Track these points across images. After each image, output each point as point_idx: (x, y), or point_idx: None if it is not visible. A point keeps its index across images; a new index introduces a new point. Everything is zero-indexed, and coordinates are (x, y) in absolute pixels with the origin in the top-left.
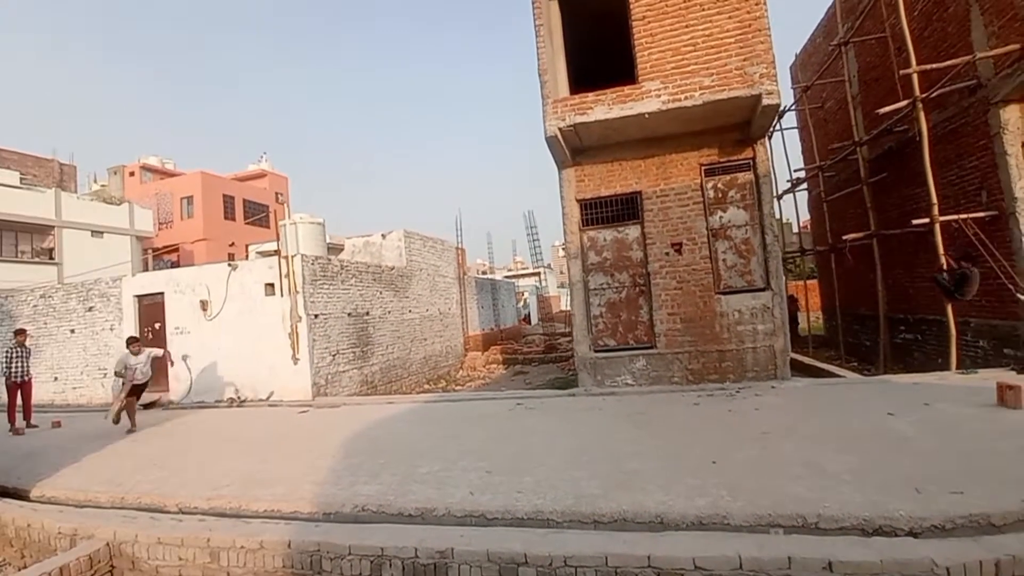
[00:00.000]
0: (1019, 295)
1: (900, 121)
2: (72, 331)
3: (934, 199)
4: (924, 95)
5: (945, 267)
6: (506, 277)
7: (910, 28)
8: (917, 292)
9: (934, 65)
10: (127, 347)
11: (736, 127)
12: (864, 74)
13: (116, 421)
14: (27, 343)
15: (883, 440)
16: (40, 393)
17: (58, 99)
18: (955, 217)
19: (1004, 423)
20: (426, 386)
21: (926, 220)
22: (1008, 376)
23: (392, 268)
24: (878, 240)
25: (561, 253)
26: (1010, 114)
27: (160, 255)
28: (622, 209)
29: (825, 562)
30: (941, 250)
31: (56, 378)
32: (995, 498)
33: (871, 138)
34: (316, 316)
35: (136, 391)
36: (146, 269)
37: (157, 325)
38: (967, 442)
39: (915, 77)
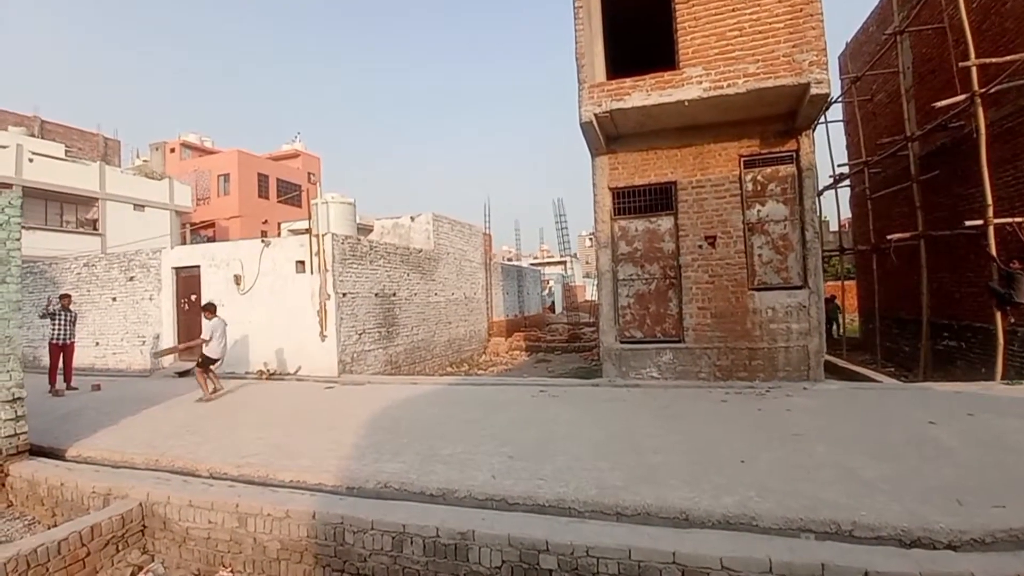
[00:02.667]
0: None
1: (955, 117)
2: (114, 299)
3: (989, 200)
4: (983, 90)
5: (1000, 272)
6: (532, 264)
7: (968, 20)
8: (963, 297)
9: (994, 59)
10: (203, 314)
11: (779, 117)
12: (919, 66)
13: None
14: (71, 308)
15: (922, 449)
16: (81, 357)
17: (104, 73)
18: (1010, 220)
19: None
20: (449, 369)
21: (979, 222)
22: None
23: (420, 251)
24: (925, 241)
25: (588, 243)
26: None
27: (197, 230)
28: (655, 199)
29: (862, 572)
30: (995, 254)
31: (97, 343)
32: None
33: (924, 133)
34: (344, 295)
35: (208, 363)
36: (184, 243)
37: (193, 297)
38: (1011, 454)
39: (974, 71)
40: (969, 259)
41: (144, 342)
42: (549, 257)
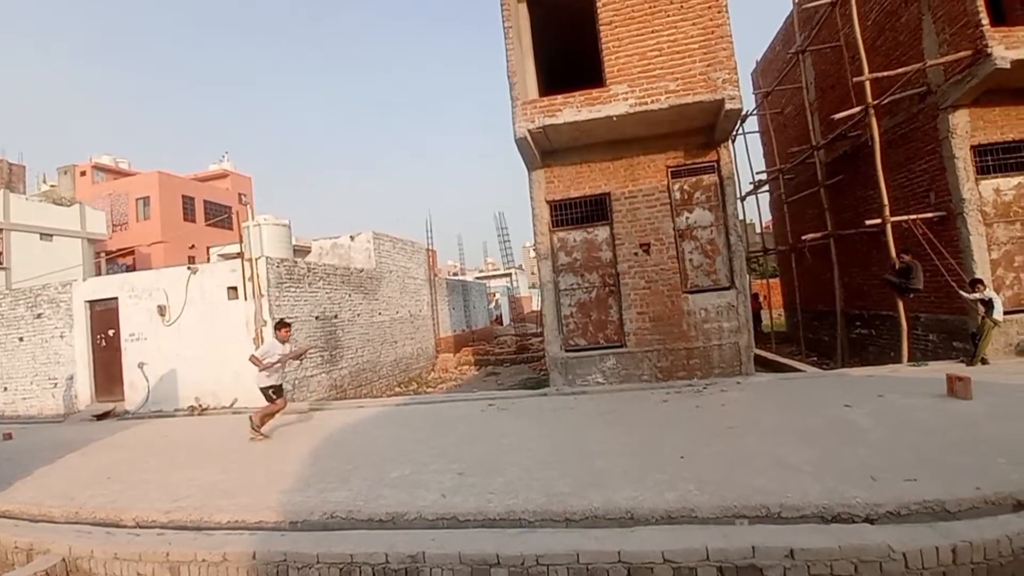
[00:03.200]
0: (962, 292)
1: (854, 126)
2: (20, 339)
3: (885, 201)
4: (876, 101)
5: (896, 266)
6: (477, 278)
7: (863, 37)
8: (871, 289)
9: (886, 73)
10: (275, 332)
11: (701, 131)
12: (820, 81)
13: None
14: None
15: (840, 431)
16: None
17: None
18: (905, 218)
19: (954, 413)
20: (397, 389)
21: (878, 221)
22: (957, 368)
23: (361, 270)
24: (835, 240)
25: (532, 254)
26: (959, 119)
27: (114, 258)
28: (591, 210)
29: (787, 550)
30: (893, 249)
31: (5, 388)
32: (948, 486)
33: (827, 142)
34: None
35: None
36: (99, 273)
37: (111, 332)
38: (919, 432)
39: (868, 84)
40: (872, 254)
41: (56, 384)
42: (494, 270)
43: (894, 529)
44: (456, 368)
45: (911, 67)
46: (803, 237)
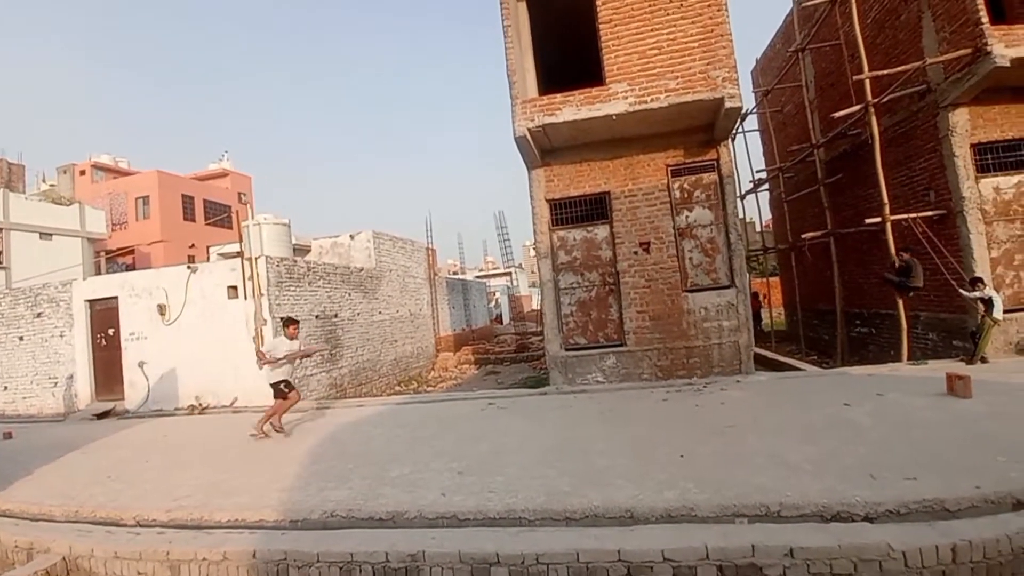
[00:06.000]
0: (962, 290)
1: (854, 125)
2: (20, 338)
3: (885, 199)
4: (876, 100)
5: (896, 264)
6: (477, 277)
7: (863, 35)
8: (871, 288)
9: (886, 71)
10: (284, 329)
11: (701, 129)
12: (820, 79)
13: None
14: None
15: (840, 430)
16: None
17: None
18: (905, 216)
19: (954, 412)
20: (397, 388)
21: (878, 219)
22: (956, 367)
23: (361, 269)
24: (834, 238)
25: (532, 253)
26: (958, 117)
27: (114, 258)
28: (591, 209)
29: (787, 548)
30: (892, 248)
31: (5, 387)
32: (948, 484)
33: (827, 141)
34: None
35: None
36: (98, 272)
37: (111, 331)
38: (919, 430)
39: (867, 83)
40: (873, 253)
41: (56, 384)
42: (494, 269)
43: (894, 528)
44: (456, 367)
45: (911, 65)
46: (803, 235)
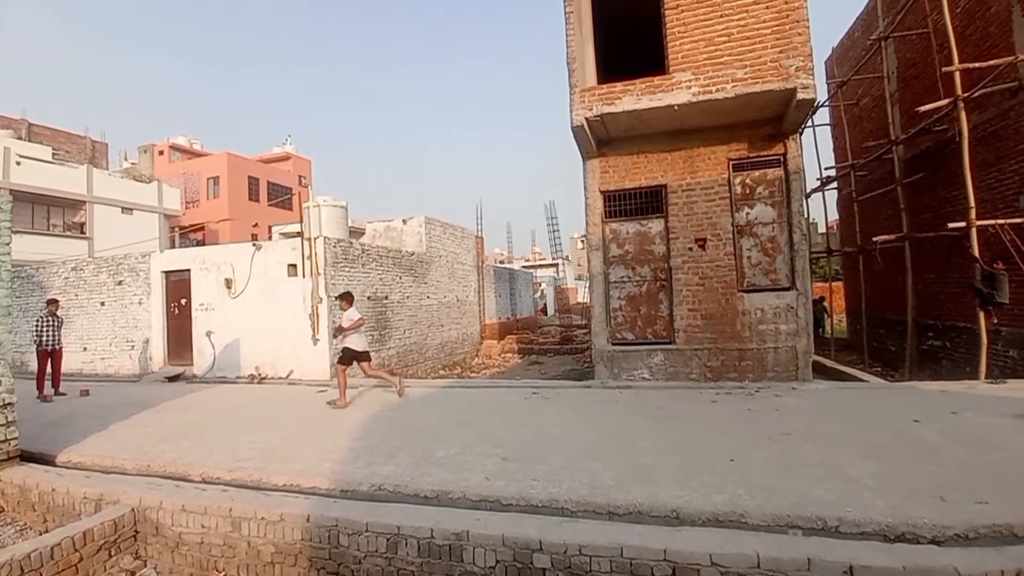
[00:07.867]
0: None
1: (939, 120)
2: (102, 303)
3: (972, 203)
4: (966, 94)
5: (983, 273)
6: (524, 267)
7: (952, 25)
8: (948, 298)
9: (977, 64)
10: (341, 303)
11: (767, 121)
12: (903, 71)
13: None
14: (58, 313)
15: (907, 447)
16: (70, 362)
17: (92, 76)
18: (992, 222)
19: None
20: (441, 372)
21: (962, 224)
22: None
23: (412, 254)
24: (910, 243)
25: (580, 245)
26: None
27: (186, 233)
28: (646, 202)
29: (846, 566)
30: (977, 255)
31: (86, 348)
32: (1020, 509)
33: (908, 137)
34: (336, 298)
35: (351, 357)
36: (173, 246)
37: (183, 301)
38: (995, 452)
39: (957, 75)
40: (953, 260)
41: (133, 347)
42: (541, 260)
43: (961, 552)
44: (500, 355)
45: (1004, 60)
46: (874, 238)
